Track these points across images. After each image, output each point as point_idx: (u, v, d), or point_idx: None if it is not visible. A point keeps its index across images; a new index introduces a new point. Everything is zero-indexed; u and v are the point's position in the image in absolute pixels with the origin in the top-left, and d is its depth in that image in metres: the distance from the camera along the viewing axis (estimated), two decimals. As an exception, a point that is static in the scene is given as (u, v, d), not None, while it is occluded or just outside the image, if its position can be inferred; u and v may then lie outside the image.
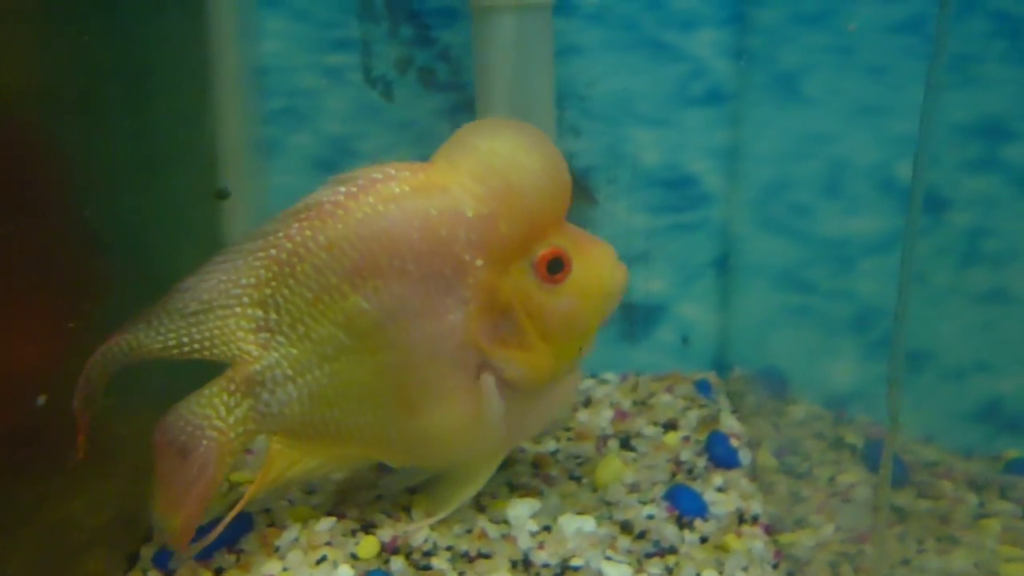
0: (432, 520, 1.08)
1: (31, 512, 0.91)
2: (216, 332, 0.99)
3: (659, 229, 1.52)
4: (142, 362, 0.99)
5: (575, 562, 1.03)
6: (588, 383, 1.52)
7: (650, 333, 1.56)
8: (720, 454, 1.27)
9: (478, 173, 0.96)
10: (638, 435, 1.34)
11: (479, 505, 1.13)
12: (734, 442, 1.30)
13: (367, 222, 0.97)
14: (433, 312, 0.98)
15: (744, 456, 1.28)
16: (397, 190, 0.97)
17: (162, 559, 1.05)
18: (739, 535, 1.10)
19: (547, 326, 1.00)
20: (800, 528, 1.10)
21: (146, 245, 1.16)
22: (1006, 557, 1.01)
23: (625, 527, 1.11)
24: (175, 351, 0.99)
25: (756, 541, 1.09)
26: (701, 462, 1.27)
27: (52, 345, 0.96)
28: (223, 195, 1.37)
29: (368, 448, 1.04)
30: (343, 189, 0.98)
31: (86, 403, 0.95)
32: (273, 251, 0.98)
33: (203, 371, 1.02)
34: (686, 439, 1.33)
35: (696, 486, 1.20)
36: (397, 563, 1.03)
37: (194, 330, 0.99)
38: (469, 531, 1.09)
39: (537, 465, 1.25)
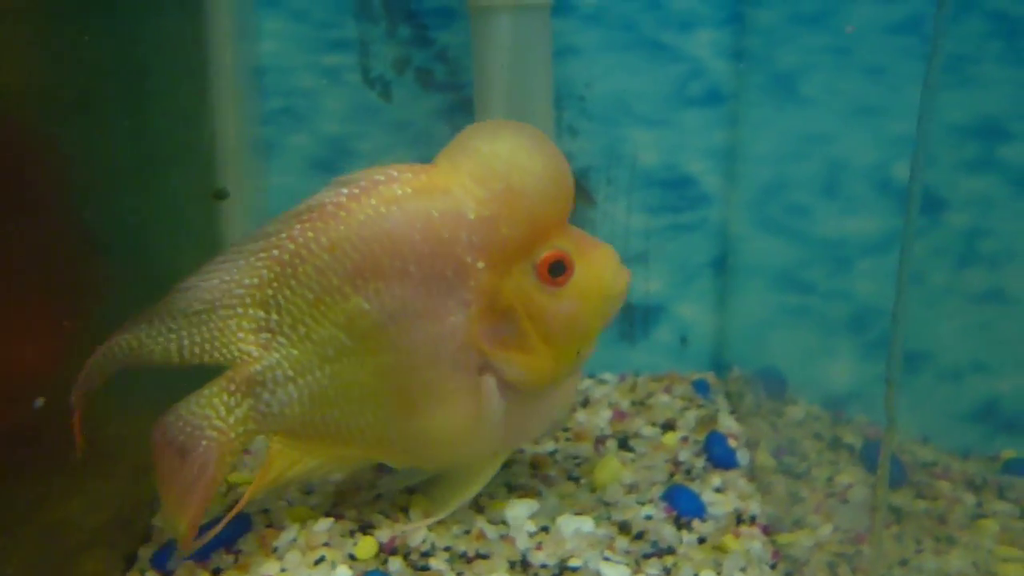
0: (431, 520, 1.09)
1: (30, 512, 0.91)
2: (218, 333, 0.99)
3: (657, 229, 1.52)
4: (143, 367, 0.99)
5: (573, 563, 1.03)
6: (586, 383, 1.52)
7: (648, 333, 1.56)
8: (718, 454, 1.27)
9: (480, 175, 0.96)
10: (636, 435, 1.34)
11: (477, 506, 1.13)
12: (732, 442, 1.30)
13: (369, 224, 0.97)
14: (434, 314, 0.98)
15: (742, 456, 1.28)
16: (399, 192, 0.97)
17: (160, 559, 1.05)
18: (737, 535, 1.10)
19: (548, 328, 1.00)
20: (798, 528, 1.10)
21: (145, 245, 1.16)
22: (1003, 557, 1.01)
23: (623, 527, 1.11)
24: (175, 356, 0.99)
25: (754, 541, 1.09)
26: (699, 462, 1.27)
27: (51, 345, 0.96)
28: (221, 195, 1.37)
29: (369, 449, 1.04)
30: (345, 191, 0.98)
31: (83, 402, 0.95)
32: (275, 252, 0.98)
33: (202, 372, 1.02)
34: (684, 439, 1.33)
35: (694, 486, 1.20)
36: (395, 564, 1.03)
37: (195, 331, 0.99)
38: (467, 532, 1.09)
39: (535, 465, 1.25)
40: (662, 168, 1.50)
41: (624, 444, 1.31)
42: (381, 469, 1.16)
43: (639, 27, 1.45)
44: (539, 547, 1.06)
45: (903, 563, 0.99)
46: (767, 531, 1.12)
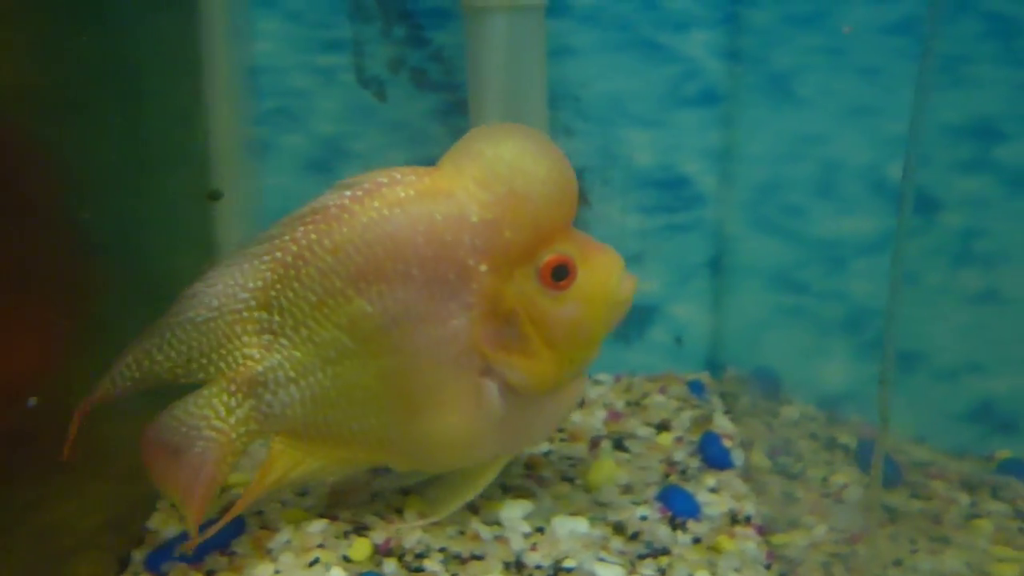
0: (427, 521, 1.09)
1: (23, 515, 0.91)
2: (224, 340, 0.99)
3: (652, 230, 1.52)
4: (149, 386, 0.99)
5: (568, 563, 1.03)
6: (581, 384, 1.52)
7: (643, 334, 1.56)
8: (713, 455, 1.27)
9: (483, 179, 0.96)
10: (631, 436, 1.34)
11: (472, 506, 1.13)
12: (727, 443, 1.30)
13: (372, 226, 0.97)
14: (437, 317, 0.98)
15: (737, 457, 1.28)
16: (402, 195, 0.97)
17: (154, 562, 1.05)
18: (732, 536, 1.10)
19: (551, 333, 1.00)
20: (793, 529, 1.10)
21: (139, 246, 1.16)
22: (998, 557, 1.01)
23: (618, 528, 1.11)
24: (182, 369, 0.99)
25: (749, 542, 1.09)
26: (694, 463, 1.27)
27: (45, 347, 0.96)
28: (215, 196, 1.36)
29: (371, 451, 1.04)
30: (348, 193, 0.98)
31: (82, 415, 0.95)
32: (279, 254, 0.98)
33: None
34: (679, 440, 1.33)
35: (689, 487, 1.20)
36: (390, 565, 1.03)
37: (204, 339, 0.99)
38: (462, 533, 1.09)
39: (530, 466, 1.25)
40: (657, 168, 1.50)
41: (619, 445, 1.31)
42: (376, 470, 1.16)
43: (634, 27, 1.45)
44: (534, 548, 1.06)
45: (898, 563, 0.99)
46: (762, 531, 1.12)
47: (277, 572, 1.02)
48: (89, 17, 1.04)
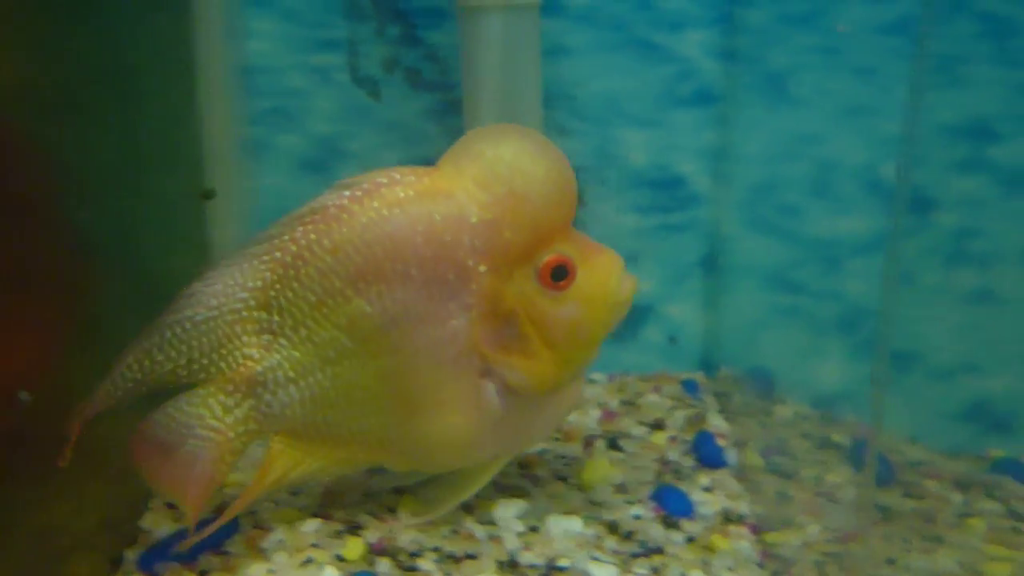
0: (420, 520, 1.09)
1: (17, 517, 0.90)
2: (224, 340, 0.99)
3: (647, 229, 1.52)
4: (150, 388, 0.98)
5: (562, 563, 1.03)
6: (577, 383, 1.52)
7: (638, 333, 1.56)
8: (707, 454, 1.27)
9: (483, 179, 0.96)
10: (625, 435, 1.34)
11: (466, 506, 1.13)
12: (721, 442, 1.30)
13: (371, 226, 0.97)
14: (436, 317, 0.98)
15: (731, 456, 1.28)
16: (402, 195, 0.97)
17: (147, 562, 1.04)
18: (726, 535, 1.10)
19: (550, 333, 1.00)
20: (786, 528, 1.10)
21: (134, 245, 1.16)
22: (991, 556, 1.01)
23: (612, 527, 1.11)
24: (184, 370, 0.98)
25: (742, 541, 1.09)
26: (688, 462, 1.27)
27: (40, 347, 0.96)
28: (209, 195, 1.36)
29: (370, 451, 1.04)
30: (348, 193, 0.98)
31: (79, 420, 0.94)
32: (278, 254, 0.98)
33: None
34: (673, 439, 1.33)
35: (683, 486, 1.20)
36: (383, 564, 1.03)
37: (204, 339, 0.98)
38: (456, 532, 1.09)
39: (524, 465, 1.25)
40: (652, 168, 1.50)
41: (613, 444, 1.31)
42: (370, 469, 1.15)
43: (629, 27, 1.45)
44: (528, 547, 1.06)
45: (891, 562, 0.99)
46: (755, 530, 1.12)
47: (271, 571, 1.02)
48: (84, 17, 1.03)
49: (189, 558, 1.03)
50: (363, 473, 1.17)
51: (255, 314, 0.99)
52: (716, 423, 1.37)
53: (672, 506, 1.15)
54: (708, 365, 1.56)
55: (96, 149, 1.06)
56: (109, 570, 1.05)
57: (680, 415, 1.40)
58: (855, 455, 1.06)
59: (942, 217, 1.22)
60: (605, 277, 1.01)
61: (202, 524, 1.00)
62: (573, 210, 1.01)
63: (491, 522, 1.11)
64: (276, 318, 0.99)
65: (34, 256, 0.93)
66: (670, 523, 1.13)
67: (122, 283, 1.11)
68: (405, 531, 1.08)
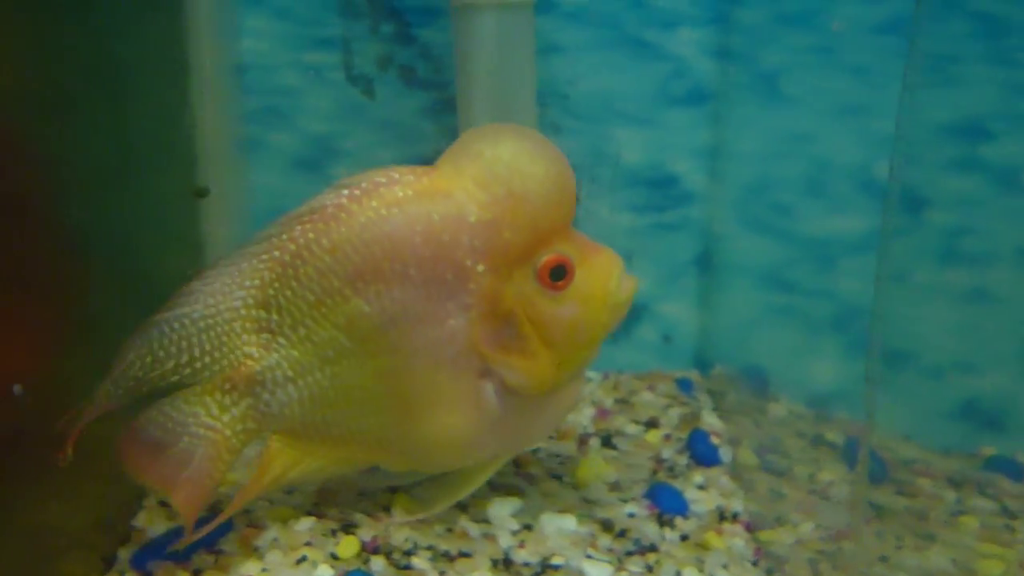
0: (414, 518, 1.09)
1: (10, 516, 0.90)
2: (225, 338, 0.99)
3: (641, 228, 1.52)
4: (152, 385, 0.98)
5: (556, 561, 1.03)
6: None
7: (632, 332, 1.56)
8: (701, 452, 1.28)
9: (482, 179, 0.96)
10: (619, 433, 1.34)
11: (460, 504, 1.13)
12: (715, 440, 1.30)
13: (370, 226, 0.96)
14: (434, 317, 0.98)
15: (725, 454, 1.28)
16: (401, 194, 0.97)
17: (139, 560, 1.04)
18: (720, 533, 1.10)
19: (549, 333, 1.00)
20: (780, 525, 1.10)
21: (127, 244, 1.15)
22: (984, 554, 1.02)
23: (606, 525, 1.11)
24: (187, 368, 0.98)
25: (736, 539, 1.10)
26: (682, 460, 1.27)
27: (34, 346, 0.96)
28: (202, 194, 1.36)
29: (369, 451, 1.04)
30: (346, 192, 0.97)
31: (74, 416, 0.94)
32: (276, 253, 0.98)
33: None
34: (667, 437, 1.33)
35: (677, 484, 1.20)
36: (377, 563, 1.03)
37: (204, 336, 0.98)
38: (450, 530, 1.09)
39: (518, 464, 1.25)
40: (646, 167, 1.50)
41: (607, 442, 1.31)
42: (364, 468, 1.15)
43: (623, 25, 1.45)
44: (522, 545, 1.06)
45: (884, 559, 1.00)
46: (749, 528, 1.12)
47: (264, 570, 1.02)
48: (77, 16, 1.03)
49: (182, 557, 1.03)
50: (357, 472, 1.17)
51: (254, 313, 0.99)
52: (710, 421, 1.37)
53: (666, 504, 1.15)
54: (702, 363, 1.56)
55: (89, 148, 1.06)
56: (103, 569, 1.05)
57: (674, 413, 1.40)
58: (848, 453, 1.06)
59: (935, 216, 1.22)
60: (604, 277, 1.01)
61: (198, 523, 1.00)
62: (572, 210, 1.01)
63: (485, 520, 1.11)
64: (275, 317, 0.99)
65: (27, 255, 0.93)
66: (664, 521, 1.13)
67: (116, 281, 1.10)
68: (399, 529, 1.08)
